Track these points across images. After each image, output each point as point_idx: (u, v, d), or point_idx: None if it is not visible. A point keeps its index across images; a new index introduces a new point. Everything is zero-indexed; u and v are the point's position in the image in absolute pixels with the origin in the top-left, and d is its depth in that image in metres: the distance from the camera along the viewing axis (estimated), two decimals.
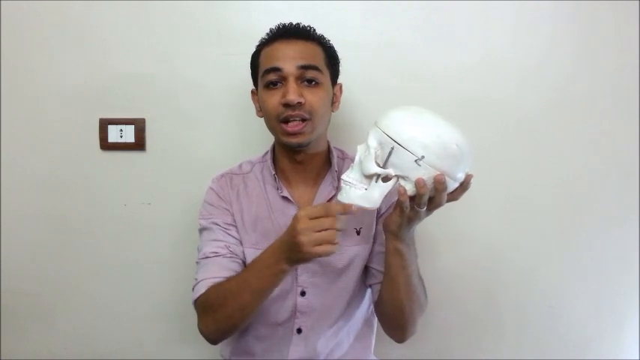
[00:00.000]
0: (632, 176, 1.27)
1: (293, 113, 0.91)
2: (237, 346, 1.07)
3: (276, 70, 0.92)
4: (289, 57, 0.92)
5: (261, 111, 0.99)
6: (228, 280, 0.91)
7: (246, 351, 1.05)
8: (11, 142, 1.28)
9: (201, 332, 0.94)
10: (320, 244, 0.76)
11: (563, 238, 1.29)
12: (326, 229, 0.76)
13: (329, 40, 1.01)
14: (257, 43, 1.00)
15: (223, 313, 0.89)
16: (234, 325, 0.93)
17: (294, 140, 0.93)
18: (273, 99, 0.93)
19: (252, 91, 1.04)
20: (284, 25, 0.98)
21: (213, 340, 0.95)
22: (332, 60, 1.00)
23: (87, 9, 1.24)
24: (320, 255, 0.77)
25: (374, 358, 1.12)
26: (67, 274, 1.31)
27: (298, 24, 0.98)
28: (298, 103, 0.90)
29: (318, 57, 0.96)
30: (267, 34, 0.99)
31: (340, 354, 1.04)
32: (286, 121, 0.92)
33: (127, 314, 1.33)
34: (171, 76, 1.25)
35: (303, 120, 0.92)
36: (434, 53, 1.24)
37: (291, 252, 0.80)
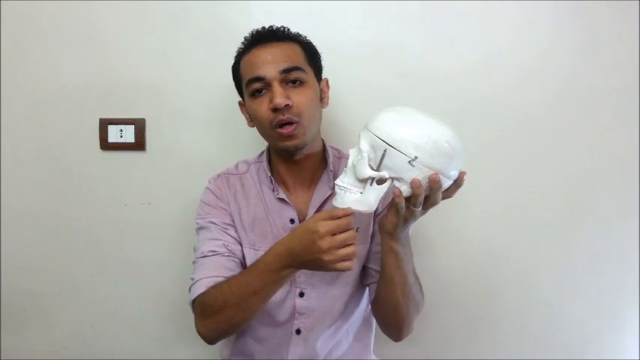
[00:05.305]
0: (632, 176, 1.27)
1: (283, 117, 0.91)
2: (236, 347, 1.07)
3: (259, 79, 0.92)
4: (269, 62, 0.92)
5: (253, 121, 0.99)
6: (228, 281, 0.90)
7: (245, 352, 1.05)
8: (11, 142, 1.28)
9: (199, 332, 0.93)
10: (342, 260, 0.77)
11: (563, 238, 1.29)
12: (348, 244, 0.77)
13: (305, 37, 1.01)
14: (234, 54, 1.01)
15: (225, 314, 0.88)
16: (235, 326, 0.92)
17: (289, 143, 0.93)
18: (262, 106, 0.93)
19: (239, 103, 1.05)
20: (258, 31, 0.98)
21: (210, 340, 0.94)
22: (313, 56, 1.00)
23: (87, 9, 1.23)
24: (342, 270, 0.78)
25: (373, 357, 1.12)
26: (67, 274, 1.31)
27: (272, 26, 0.98)
28: (286, 105, 0.90)
29: (298, 56, 0.95)
30: (243, 42, 0.99)
31: (339, 354, 1.04)
32: (280, 126, 0.92)
33: (127, 314, 1.33)
34: (171, 76, 1.25)
35: (292, 123, 0.92)
36: (434, 53, 1.24)
37: (308, 264, 0.80)
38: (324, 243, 0.76)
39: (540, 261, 1.29)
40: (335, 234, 0.76)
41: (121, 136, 1.26)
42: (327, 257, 0.76)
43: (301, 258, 0.80)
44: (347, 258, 0.77)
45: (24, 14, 1.24)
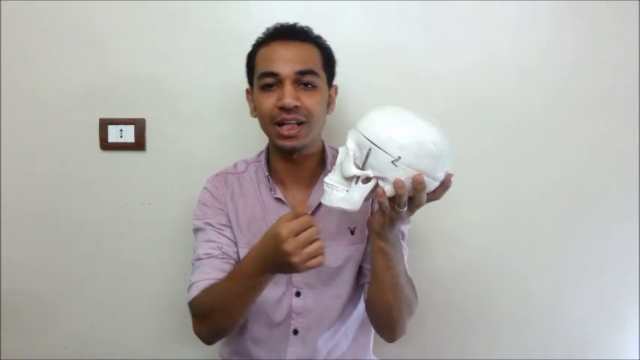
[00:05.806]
0: (632, 176, 1.27)
1: (288, 116, 0.91)
2: (235, 347, 1.07)
3: (272, 74, 0.92)
4: (286, 60, 0.92)
5: (256, 111, 0.99)
6: (214, 287, 0.90)
7: (244, 352, 1.05)
8: (11, 142, 1.28)
9: (196, 333, 0.95)
10: (311, 257, 0.75)
11: (563, 238, 1.29)
12: (313, 240, 0.75)
13: (325, 41, 1.00)
14: (253, 42, 1.00)
15: (213, 318, 0.90)
16: (226, 329, 0.94)
17: (288, 143, 0.93)
18: (269, 101, 0.93)
19: (247, 90, 1.04)
20: (282, 26, 0.98)
21: (207, 341, 0.96)
22: (329, 62, 1.00)
23: (87, 9, 1.23)
24: (314, 267, 0.76)
25: (372, 357, 1.12)
26: (67, 274, 1.31)
27: (295, 24, 0.97)
28: (295, 106, 0.90)
29: (315, 60, 0.95)
30: (264, 33, 0.99)
31: (338, 354, 1.04)
32: (281, 123, 0.92)
33: (127, 314, 1.33)
34: (171, 76, 1.25)
35: (300, 123, 0.92)
36: (434, 53, 1.24)
37: (280, 268, 0.79)
38: (288, 246, 0.74)
39: (540, 261, 1.29)
40: (298, 234, 0.75)
41: (121, 136, 1.26)
42: (294, 259, 0.74)
43: (273, 263, 0.79)
44: (315, 254, 0.75)
45: (24, 14, 1.24)
